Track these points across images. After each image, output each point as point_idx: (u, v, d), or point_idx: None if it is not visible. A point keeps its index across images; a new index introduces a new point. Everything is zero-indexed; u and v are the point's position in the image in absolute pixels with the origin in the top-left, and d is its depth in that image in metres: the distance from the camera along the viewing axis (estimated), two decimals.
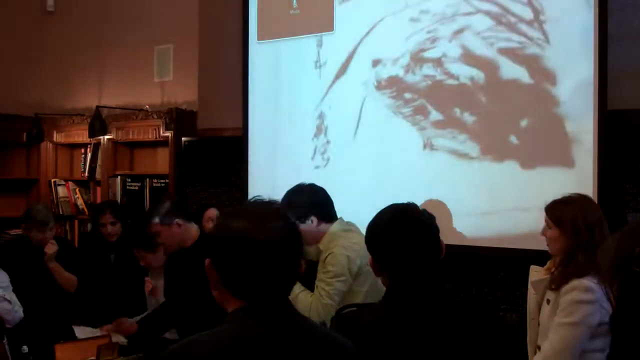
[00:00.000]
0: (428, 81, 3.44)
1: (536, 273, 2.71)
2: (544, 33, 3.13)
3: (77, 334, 3.46)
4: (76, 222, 5.56)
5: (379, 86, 3.57)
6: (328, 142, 3.93)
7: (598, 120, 3.22)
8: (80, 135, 5.38)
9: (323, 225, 2.96)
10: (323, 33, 3.82)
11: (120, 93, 5.40)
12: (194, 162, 4.81)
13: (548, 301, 2.55)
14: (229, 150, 4.66)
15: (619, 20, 3.33)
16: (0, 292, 3.38)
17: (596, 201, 3.21)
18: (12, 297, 3.47)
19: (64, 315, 4.06)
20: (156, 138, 4.94)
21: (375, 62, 3.60)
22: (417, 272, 1.80)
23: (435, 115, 3.43)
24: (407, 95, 3.50)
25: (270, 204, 1.44)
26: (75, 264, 4.07)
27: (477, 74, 3.30)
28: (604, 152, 3.22)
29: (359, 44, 3.64)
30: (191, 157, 4.83)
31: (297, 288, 2.93)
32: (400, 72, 3.51)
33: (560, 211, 2.54)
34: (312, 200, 2.97)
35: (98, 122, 4.94)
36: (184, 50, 5.04)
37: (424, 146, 3.46)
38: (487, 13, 3.24)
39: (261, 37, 4.44)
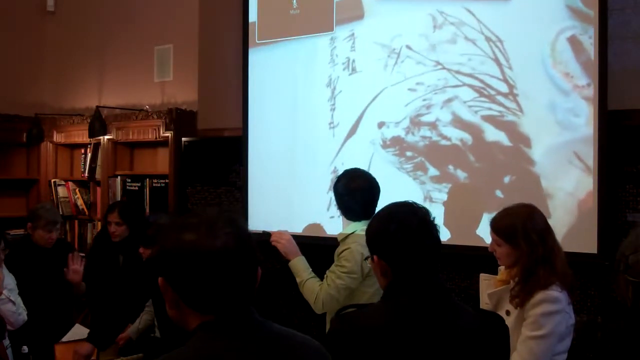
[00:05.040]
0: (425, 141, 3.82)
1: (487, 282, 2.65)
2: (518, 104, 3.50)
3: (78, 332, 3.46)
4: (76, 222, 5.56)
5: (384, 145, 3.97)
6: None
7: (598, 120, 3.23)
8: (80, 135, 5.38)
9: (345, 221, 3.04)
10: (336, 96, 4.17)
11: (120, 93, 5.40)
12: (194, 162, 4.81)
13: (508, 312, 2.48)
14: (229, 150, 4.66)
15: (619, 20, 3.34)
16: (6, 292, 3.37)
17: (596, 201, 3.23)
18: (17, 299, 3.47)
19: (64, 315, 4.06)
20: (156, 138, 4.93)
21: (380, 124, 3.99)
22: (423, 269, 1.81)
23: (432, 171, 3.80)
24: (408, 153, 3.88)
25: (218, 210, 1.38)
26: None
27: (466, 137, 3.67)
28: (604, 152, 3.22)
29: (366, 108, 4.05)
30: (191, 157, 4.83)
31: (307, 274, 2.95)
32: (402, 133, 3.89)
33: (509, 227, 2.49)
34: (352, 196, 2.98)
35: (98, 122, 4.93)
36: (184, 50, 5.03)
37: (424, 198, 3.78)
38: (471, 86, 3.63)
39: (261, 37, 4.45)
